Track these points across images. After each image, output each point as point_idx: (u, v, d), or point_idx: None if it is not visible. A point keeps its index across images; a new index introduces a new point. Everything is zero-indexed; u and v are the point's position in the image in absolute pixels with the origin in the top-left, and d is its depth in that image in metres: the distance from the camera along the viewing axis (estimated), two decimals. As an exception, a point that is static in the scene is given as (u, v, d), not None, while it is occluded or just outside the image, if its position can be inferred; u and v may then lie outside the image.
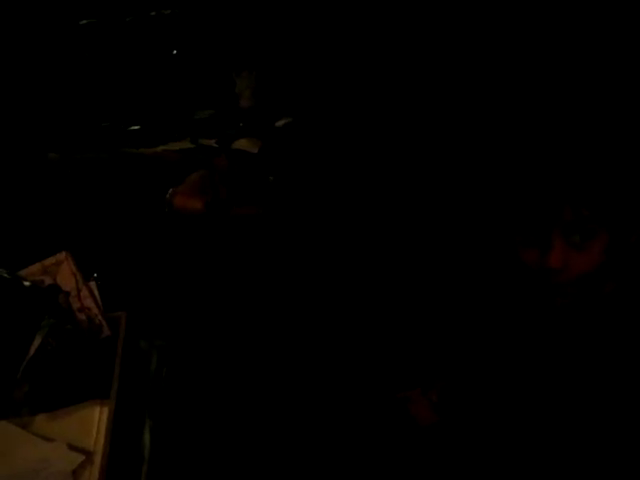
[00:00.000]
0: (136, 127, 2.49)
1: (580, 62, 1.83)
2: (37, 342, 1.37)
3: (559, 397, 1.21)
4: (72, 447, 1.25)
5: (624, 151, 1.13)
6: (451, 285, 1.70)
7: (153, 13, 2.37)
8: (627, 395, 1.12)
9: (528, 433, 1.24)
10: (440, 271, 1.84)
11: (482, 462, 1.33)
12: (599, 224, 1.09)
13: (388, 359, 1.76)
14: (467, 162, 1.89)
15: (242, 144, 2.41)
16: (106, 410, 1.30)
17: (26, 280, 1.38)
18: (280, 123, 2.43)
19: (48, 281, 1.39)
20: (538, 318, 1.28)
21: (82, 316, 1.41)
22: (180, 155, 2.07)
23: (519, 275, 1.23)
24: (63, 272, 1.39)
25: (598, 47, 1.82)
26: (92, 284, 1.43)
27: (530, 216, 1.13)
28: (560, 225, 1.10)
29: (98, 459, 1.23)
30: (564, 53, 1.86)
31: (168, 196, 1.62)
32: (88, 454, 1.24)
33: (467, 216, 1.81)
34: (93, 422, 1.30)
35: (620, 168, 1.12)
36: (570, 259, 1.11)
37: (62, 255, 1.39)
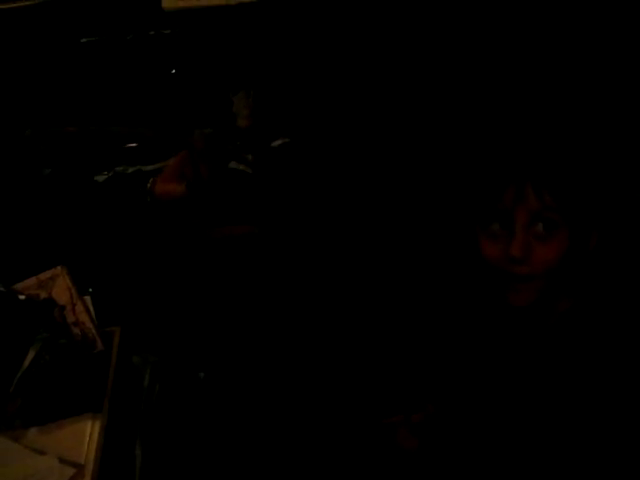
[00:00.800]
0: (133, 145, 2.51)
1: (559, 58, 1.85)
2: (31, 355, 1.38)
3: (525, 413, 1.21)
4: (64, 460, 1.25)
5: (592, 142, 1.15)
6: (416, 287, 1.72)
7: (152, 32, 2.39)
8: (589, 411, 1.13)
9: (507, 450, 1.25)
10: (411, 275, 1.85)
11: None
12: (561, 215, 1.10)
13: (373, 385, 1.77)
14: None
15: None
16: (98, 424, 1.31)
17: (21, 294, 1.39)
18: (277, 143, 2.45)
19: (43, 295, 1.40)
20: (494, 328, 1.29)
21: (76, 330, 1.41)
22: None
23: (480, 273, 1.23)
24: (58, 286, 1.40)
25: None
26: (87, 299, 1.44)
27: (495, 199, 1.13)
28: (524, 210, 1.10)
29: (89, 473, 1.24)
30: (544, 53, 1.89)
31: (149, 185, 1.61)
32: (80, 467, 1.24)
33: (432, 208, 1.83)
34: (85, 436, 1.30)
35: (586, 159, 1.14)
36: (532, 249, 1.11)
37: (58, 269, 1.40)
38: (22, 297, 1.38)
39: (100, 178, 2.03)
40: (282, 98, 2.50)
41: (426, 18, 2.09)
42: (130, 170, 2.31)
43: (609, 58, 1.78)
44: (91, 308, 1.44)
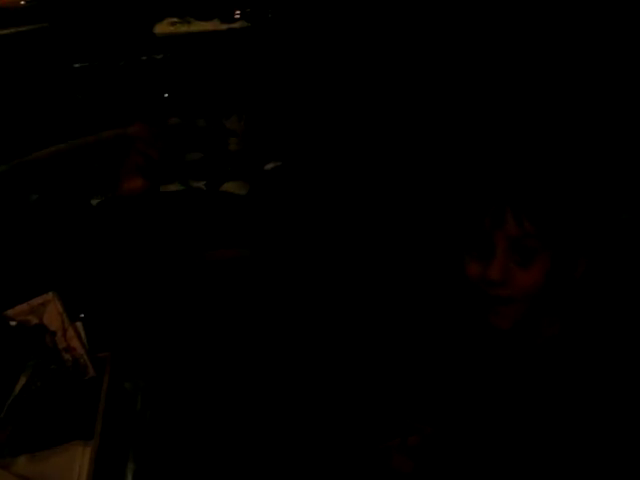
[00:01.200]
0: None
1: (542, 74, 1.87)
2: (22, 382, 1.38)
3: (515, 434, 1.21)
4: (54, 488, 1.25)
5: (574, 171, 1.15)
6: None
7: (145, 57, 2.42)
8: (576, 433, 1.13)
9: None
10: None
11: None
12: (541, 242, 1.10)
13: (365, 409, 1.77)
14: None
15: (231, 187, 2.44)
16: (89, 451, 1.30)
17: (12, 320, 1.38)
18: (269, 167, 2.46)
19: (34, 321, 1.39)
20: (481, 350, 1.29)
21: (67, 356, 1.41)
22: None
23: (463, 293, 1.23)
24: (50, 312, 1.39)
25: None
26: (78, 324, 1.44)
27: (475, 223, 1.13)
28: (503, 235, 1.10)
29: (80, 501, 1.23)
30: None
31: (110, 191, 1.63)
32: (70, 495, 1.24)
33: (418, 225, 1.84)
34: (76, 463, 1.29)
35: (568, 187, 1.13)
36: (511, 274, 1.11)
37: (49, 295, 1.40)
38: (13, 323, 1.37)
39: (93, 202, 2.04)
40: (274, 122, 2.52)
41: (411, 49, 2.11)
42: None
43: (588, 88, 1.80)
44: (82, 334, 1.44)
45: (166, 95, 2.53)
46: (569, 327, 1.18)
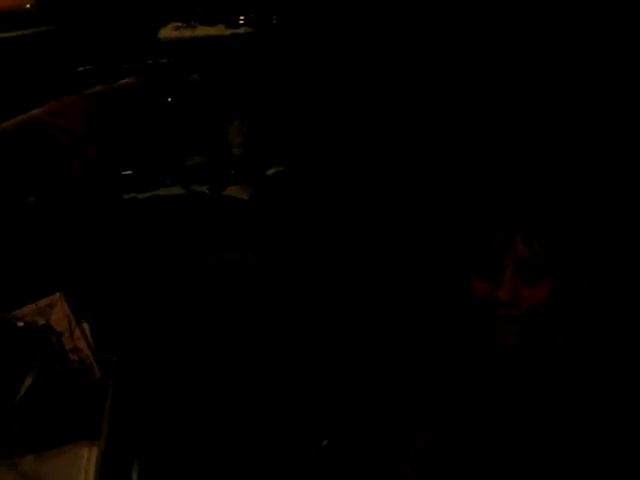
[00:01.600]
0: (129, 172, 2.52)
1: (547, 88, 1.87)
2: (28, 382, 1.38)
3: (521, 446, 1.21)
4: (60, 488, 1.25)
5: (583, 194, 1.16)
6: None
7: (150, 62, 2.43)
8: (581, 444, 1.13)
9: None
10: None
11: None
12: (550, 263, 1.10)
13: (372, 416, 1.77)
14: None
15: (233, 191, 2.45)
16: (95, 451, 1.31)
17: (19, 320, 1.39)
18: (271, 171, 2.47)
19: (41, 322, 1.40)
20: (487, 362, 1.29)
21: (74, 357, 1.42)
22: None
23: (469, 308, 1.23)
24: (57, 313, 1.40)
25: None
26: (85, 325, 1.45)
27: (483, 243, 1.14)
28: (512, 256, 1.11)
29: (87, 500, 1.24)
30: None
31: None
32: (76, 495, 1.24)
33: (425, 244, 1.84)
34: (82, 463, 1.30)
35: (577, 210, 1.14)
36: (520, 293, 1.11)
37: (56, 296, 1.41)
38: (20, 324, 1.38)
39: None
40: (276, 127, 2.53)
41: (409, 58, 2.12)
42: (125, 197, 2.33)
43: (594, 105, 1.80)
44: (89, 335, 1.44)
45: (169, 99, 2.54)
46: (574, 338, 1.18)
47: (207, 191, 2.47)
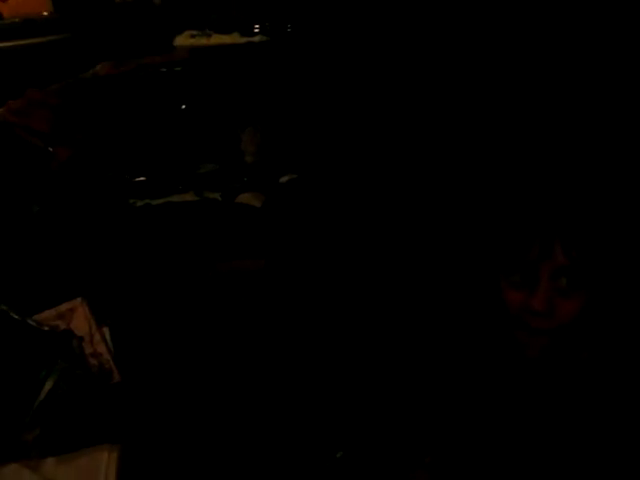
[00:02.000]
0: (142, 178, 2.54)
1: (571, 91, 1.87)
2: (48, 386, 1.40)
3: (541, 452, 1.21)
4: (81, 491, 1.27)
5: (624, 202, 1.15)
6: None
7: (164, 69, 2.44)
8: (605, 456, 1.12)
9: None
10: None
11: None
12: (586, 273, 1.09)
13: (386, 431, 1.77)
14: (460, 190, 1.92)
15: (246, 198, 2.46)
16: (115, 455, 1.32)
17: (41, 325, 1.41)
18: (284, 179, 2.48)
19: (62, 326, 1.41)
20: (507, 373, 1.28)
21: (94, 361, 1.43)
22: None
23: (498, 318, 1.22)
24: (78, 318, 1.42)
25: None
26: (105, 330, 1.46)
27: (521, 252, 1.12)
28: (549, 266, 1.09)
29: (107, 503, 1.25)
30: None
31: None
32: (97, 498, 1.25)
33: (454, 251, 1.83)
34: (102, 466, 1.31)
35: (616, 218, 1.13)
36: (554, 304, 1.10)
37: (77, 301, 1.42)
38: (42, 328, 1.39)
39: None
40: (289, 134, 2.54)
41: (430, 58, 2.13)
42: (139, 204, 2.35)
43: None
44: (109, 339, 1.46)
45: (183, 107, 2.56)
46: (600, 355, 1.17)
47: (220, 198, 2.48)
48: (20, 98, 1.51)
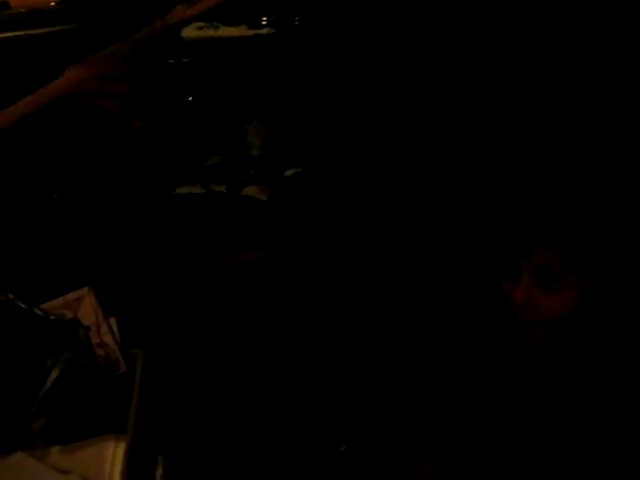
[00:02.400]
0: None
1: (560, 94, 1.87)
2: (54, 375, 1.39)
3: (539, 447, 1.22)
4: (86, 480, 1.26)
5: (607, 205, 1.16)
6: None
7: (172, 61, 2.44)
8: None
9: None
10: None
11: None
12: (567, 271, 1.12)
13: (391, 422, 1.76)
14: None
15: (252, 191, 2.46)
16: (122, 445, 1.32)
17: (47, 314, 1.40)
18: (289, 172, 2.48)
19: (69, 315, 1.41)
20: (507, 363, 1.30)
21: (100, 351, 1.42)
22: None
23: (494, 308, 1.26)
24: (84, 307, 1.41)
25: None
26: (112, 320, 1.46)
27: (506, 249, 1.18)
28: (529, 264, 1.14)
29: (113, 493, 1.24)
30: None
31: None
32: (103, 487, 1.25)
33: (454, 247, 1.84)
34: (108, 456, 1.31)
35: (600, 220, 1.14)
36: (535, 298, 1.14)
37: (84, 290, 1.41)
38: (48, 317, 1.39)
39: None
40: (296, 128, 2.54)
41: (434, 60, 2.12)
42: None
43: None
44: (115, 329, 1.45)
45: (190, 99, 2.55)
46: (598, 350, 1.18)
47: (225, 191, 2.48)
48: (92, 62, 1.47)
